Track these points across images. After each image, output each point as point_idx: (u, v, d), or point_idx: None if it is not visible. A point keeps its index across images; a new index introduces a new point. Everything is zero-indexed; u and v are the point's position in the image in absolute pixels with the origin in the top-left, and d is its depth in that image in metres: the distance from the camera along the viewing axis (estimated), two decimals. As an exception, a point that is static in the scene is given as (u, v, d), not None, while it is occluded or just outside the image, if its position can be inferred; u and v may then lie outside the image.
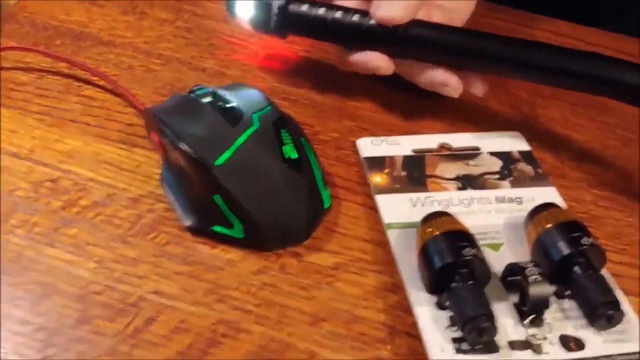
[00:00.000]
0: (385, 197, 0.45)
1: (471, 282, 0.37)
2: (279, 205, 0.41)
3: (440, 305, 0.38)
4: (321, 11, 0.50)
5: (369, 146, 0.49)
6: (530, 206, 0.44)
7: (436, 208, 0.44)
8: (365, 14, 0.50)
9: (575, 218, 0.41)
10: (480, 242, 0.42)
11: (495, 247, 0.42)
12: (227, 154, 0.40)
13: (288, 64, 0.55)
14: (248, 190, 0.40)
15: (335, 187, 0.46)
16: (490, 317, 0.36)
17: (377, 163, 0.47)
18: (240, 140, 0.41)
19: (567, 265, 0.39)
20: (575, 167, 0.50)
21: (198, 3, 0.60)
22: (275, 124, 0.43)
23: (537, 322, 0.37)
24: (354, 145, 0.49)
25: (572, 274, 0.38)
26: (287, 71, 0.55)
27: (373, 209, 0.45)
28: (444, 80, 0.49)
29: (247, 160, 0.41)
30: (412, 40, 0.49)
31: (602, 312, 0.37)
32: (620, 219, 0.46)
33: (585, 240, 0.39)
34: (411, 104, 0.53)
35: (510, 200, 0.45)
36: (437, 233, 0.39)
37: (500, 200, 0.45)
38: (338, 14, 0.50)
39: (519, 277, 0.38)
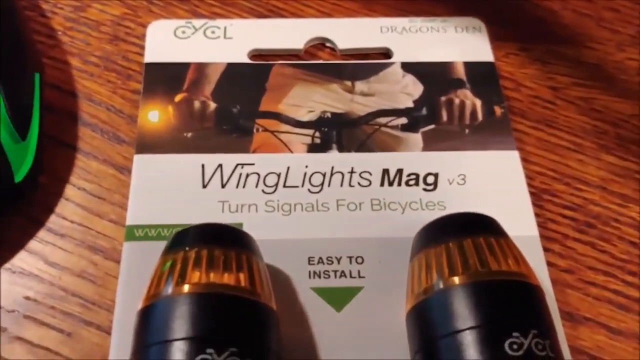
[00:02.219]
0: (153, 159, 0.22)
1: None
2: None
3: None
4: None
5: (167, 39, 0.25)
6: (451, 201, 0.21)
7: (251, 191, 0.21)
8: None
9: (522, 274, 0.17)
10: (318, 284, 0.20)
11: (344, 297, 0.20)
12: None
13: None
14: None
15: (77, 126, 0.24)
16: None
17: (171, 78, 0.24)
18: None
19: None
20: (583, 106, 0.25)
21: None
22: None
23: None
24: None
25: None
26: None
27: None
28: None
29: None
30: None
31: None
32: (648, 224, 0.23)
33: (516, 342, 0.16)
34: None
35: (413, 180, 0.22)
36: (185, 291, 0.17)
37: (392, 179, 0.22)
38: None
39: None
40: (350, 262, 0.20)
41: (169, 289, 0.17)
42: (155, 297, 0.17)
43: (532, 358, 0.16)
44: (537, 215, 0.22)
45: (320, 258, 0.20)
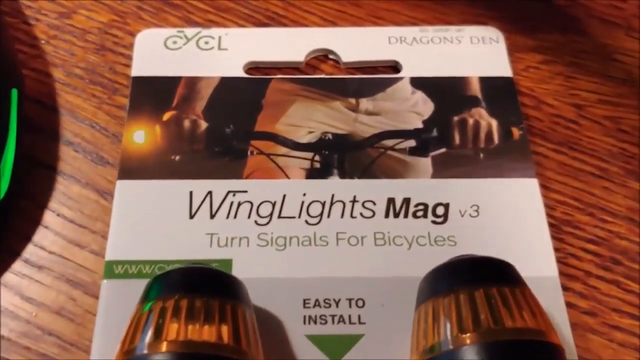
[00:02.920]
0: (137, 185, 0.20)
1: None
2: None
3: None
4: None
5: (156, 50, 0.23)
6: (463, 235, 0.19)
7: (243, 222, 0.20)
8: None
9: (540, 332, 0.15)
10: (314, 330, 0.18)
11: (342, 346, 0.18)
12: None
13: None
14: None
15: (58, 146, 0.22)
16: None
17: (159, 94, 0.22)
18: None
19: None
20: (610, 126, 0.23)
21: None
22: None
23: None
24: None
25: None
26: None
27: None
28: None
29: None
30: None
31: None
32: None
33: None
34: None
35: (421, 211, 0.20)
36: (161, 350, 0.15)
37: (398, 209, 0.20)
38: None
39: None
40: (350, 306, 0.18)
41: (144, 346, 0.15)
42: (129, 354, 0.15)
43: None
44: (557, 249, 0.20)
45: (317, 300, 0.18)
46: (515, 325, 0.15)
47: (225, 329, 0.15)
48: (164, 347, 0.15)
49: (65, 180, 0.21)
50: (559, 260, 0.20)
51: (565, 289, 0.19)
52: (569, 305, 0.19)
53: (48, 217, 0.21)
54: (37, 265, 0.20)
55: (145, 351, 0.15)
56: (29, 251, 0.20)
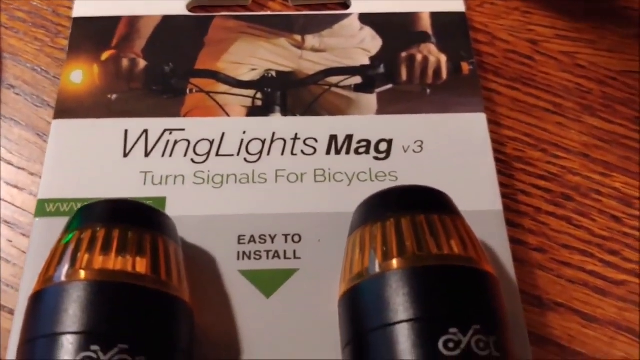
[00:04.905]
0: (72, 124, 0.20)
1: None
2: None
3: None
4: None
5: (100, -9, 0.22)
6: (405, 171, 0.19)
7: (179, 161, 0.19)
8: None
9: (468, 259, 0.15)
10: (247, 266, 0.17)
11: (274, 281, 0.17)
12: None
13: None
14: None
15: (4, 90, 0.21)
16: None
17: (99, 34, 0.21)
18: None
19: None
20: (565, 61, 0.22)
21: None
22: None
23: None
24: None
25: None
26: None
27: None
28: None
29: None
30: None
31: None
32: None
33: (452, 339, 0.14)
34: None
35: (364, 148, 0.19)
36: (74, 278, 0.14)
37: (340, 146, 0.19)
38: None
39: None
40: (286, 241, 0.18)
41: (60, 275, 0.15)
42: (46, 282, 0.15)
43: (471, 358, 0.13)
44: (506, 186, 0.19)
45: (252, 237, 0.18)
46: (442, 252, 0.15)
47: (142, 260, 0.15)
48: (79, 275, 0.14)
49: (5, 123, 0.21)
50: (508, 197, 0.19)
51: (514, 225, 0.19)
52: (518, 242, 0.19)
53: (-14, 160, 0.20)
54: (-26, 209, 0.20)
55: (63, 279, 0.15)
56: (-33, 195, 0.20)
